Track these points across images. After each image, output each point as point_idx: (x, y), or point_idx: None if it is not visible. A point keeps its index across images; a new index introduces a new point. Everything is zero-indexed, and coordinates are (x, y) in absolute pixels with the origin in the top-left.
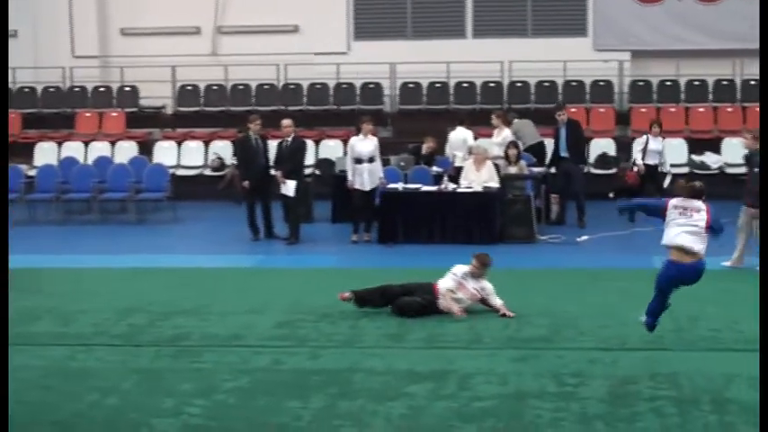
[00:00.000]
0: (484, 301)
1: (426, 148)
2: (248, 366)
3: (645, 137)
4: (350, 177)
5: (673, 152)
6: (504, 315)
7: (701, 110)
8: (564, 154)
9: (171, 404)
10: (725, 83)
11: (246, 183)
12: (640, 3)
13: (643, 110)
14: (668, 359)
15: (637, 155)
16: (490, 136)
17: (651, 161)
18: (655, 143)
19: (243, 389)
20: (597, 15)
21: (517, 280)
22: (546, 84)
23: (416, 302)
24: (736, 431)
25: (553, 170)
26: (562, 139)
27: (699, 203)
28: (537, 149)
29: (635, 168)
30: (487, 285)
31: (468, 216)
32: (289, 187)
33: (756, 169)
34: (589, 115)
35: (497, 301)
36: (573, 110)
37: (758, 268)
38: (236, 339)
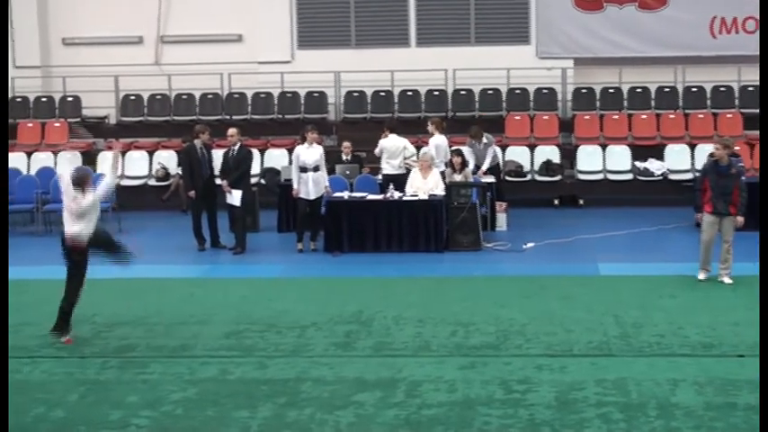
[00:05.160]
0: None
1: (350, 152)
2: (195, 377)
3: None
4: (295, 186)
5: (616, 159)
6: None
7: (644, 117)
8: None
9: (118, 416)
10: (667, 90)
11: (192, 192)
12: (582, 11)
13: (586, 117)
14: (615, 365)
15: None
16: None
17: None
18: None
19: (190, 400)
20: (540, 23)
21: (464, 287)
22: (490, 92)
23: None
24: None
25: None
26: None
27: None
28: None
29: None
30: None
31: (414, 224)
32: (234, 197)
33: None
34: (533, 122)
35: None
36: (517, 117)
37: (700, 276)
38: (182, 350)
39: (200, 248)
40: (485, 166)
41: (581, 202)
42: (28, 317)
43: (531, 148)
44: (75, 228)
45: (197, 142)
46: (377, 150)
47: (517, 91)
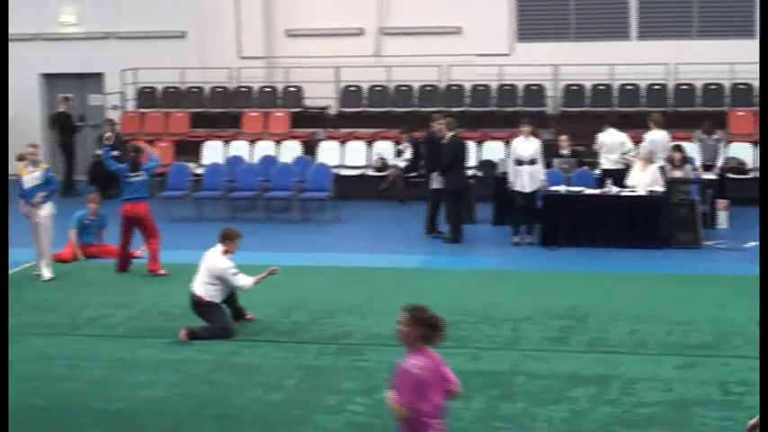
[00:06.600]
0: None
1: (568, 146)
2: None
3: None
4: (511, 179)
5: None
6: None
7: None
8: None
9: (334, 401)
10: None
11: (435, 174)
12: None
13: None
14: None
15: None
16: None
17: None
18: None
19: None
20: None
21: (683, 285)
22: (712, 87)
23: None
24: None
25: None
26: None
27: None
28: None
29: None
30: None
31: (631, 220)
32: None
33: None
34: (758, 119)
35: None
36: (741, 113)
37: None
38: (397, 339)
39: (430, 235)
40: (719, 162)
41: None
42: (247, 302)
43: (756, 144)
44: None
45: (436, 132)
46: (596, 145)
47: (741, 86)
